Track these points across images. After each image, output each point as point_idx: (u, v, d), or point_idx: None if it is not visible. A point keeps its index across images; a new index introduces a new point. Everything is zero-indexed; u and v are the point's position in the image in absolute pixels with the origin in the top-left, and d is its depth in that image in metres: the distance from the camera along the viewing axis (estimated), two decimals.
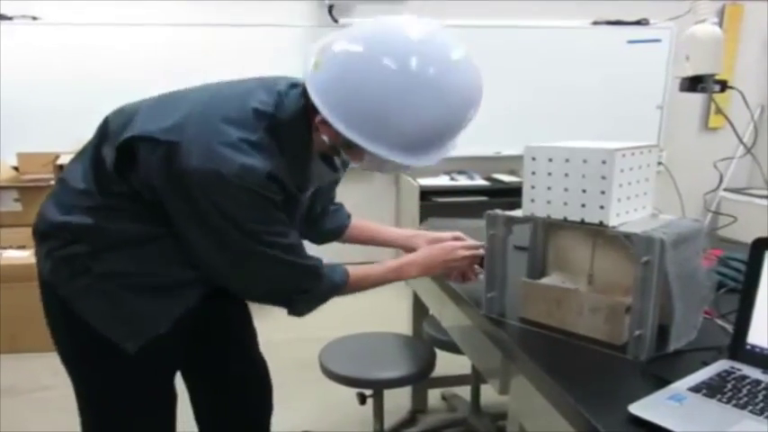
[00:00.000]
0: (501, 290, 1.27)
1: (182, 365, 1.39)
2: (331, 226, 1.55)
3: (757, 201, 3.30)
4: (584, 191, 1.06)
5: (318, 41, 1.12)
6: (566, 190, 1.09)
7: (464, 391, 2.45)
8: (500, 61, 3.78)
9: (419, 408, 2.47)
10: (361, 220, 1.61)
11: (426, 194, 3.70)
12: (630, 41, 3.88)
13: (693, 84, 1.27)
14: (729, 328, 1.16)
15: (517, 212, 1.20)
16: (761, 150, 3.89)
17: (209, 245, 1.13)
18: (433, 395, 2.53)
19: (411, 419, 2.43)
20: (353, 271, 1.30)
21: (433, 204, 3.71)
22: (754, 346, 1.00)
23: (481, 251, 1.35)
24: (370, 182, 4.04)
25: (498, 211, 1.20)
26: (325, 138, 1.12)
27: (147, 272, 1.16)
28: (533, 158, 1.13)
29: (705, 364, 1.02)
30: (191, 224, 1.11)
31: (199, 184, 1.05)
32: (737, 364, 1.00)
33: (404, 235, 1.55)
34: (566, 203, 1.09)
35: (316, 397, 2.48)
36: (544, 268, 1.31)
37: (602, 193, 1.04)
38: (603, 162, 1.03)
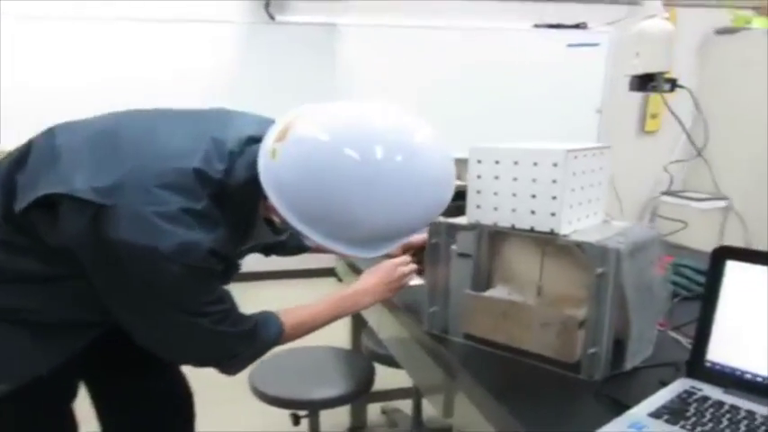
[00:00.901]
0: (444, 304, 1.16)
1: (78, 392, 1.21)
2: (296, 243, 1.41)
3: (696, 204, 3.35)
4: (533, 196, 0.97)
5: (276, 124, 0.99)
6: (514, 195, 0.99)
7: (406, 405, 2.34)
8: (441, 62, 3.71)
9: (358, 424, 2.34)
10: None
11: None
12: (570, 45, 3.88)
13: (643, 82, 1.20)
14: (684, 341, 1.10)
15: (461, 220, 1.09)
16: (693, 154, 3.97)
17: (132, 316, 0.99)
18: (373, 410, 2.41)
19: None
20: (292, 319, 1.16)
21: None
22: (714, 364, 0.93)
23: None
24: None
25: (440, 219, 1.09)
26: (276, 219, 1.02)
27: (33, 309, 0.99)
28: (479, 161, 1.03)
29: (663, 383, 0.95)
30: (112, 291, 0.97)
31: (129, 258, 0.90)
32: (697, 383, 0.92)
33: None
34: (514, 210, 0.99)
35: (245, 417, 2.31)
36: (489, 279, 1.21)
37: (554, 198, 0.95)
38: (555, 165, 0.94)
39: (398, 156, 0.90)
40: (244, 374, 1.72)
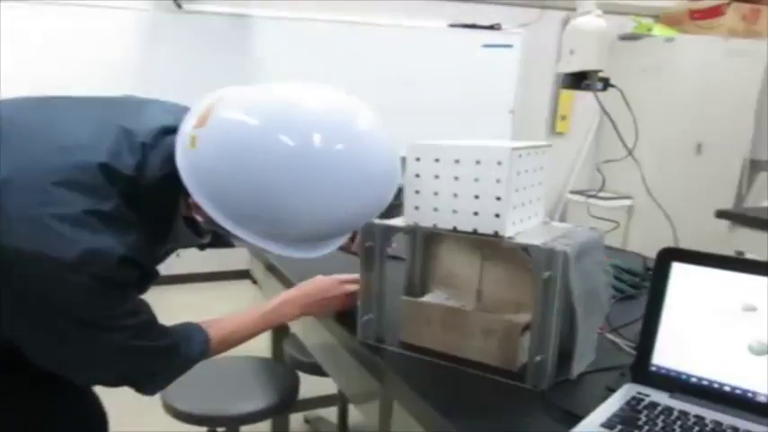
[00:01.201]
0: (378, 311, 1.09)
1: None
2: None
3: (603, 203, 3.48)
4: (476, 197, 0.91)
5: (194, 109, 0.86)
6: (455, 196, 0.93)
7: (330, 413, 2.25)
8: (355, 58, 3.64)
9: None
10: None
11: None
12: (485, 45, 3.93)
13: (577, 80, 1.18)
14: (623, 344, 1.08)
15: (398, 221, 1.02)
16: (601, 155, 4.15)
17: (33, 333, 0.84)
18: (296, 419, 2.30)
19: None
20: (218, 331, 1.04)
21: None
22: (659, 368, 0.90)
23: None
24: None
25: (375, 221, 1.01)
26: (199, 218, 0.88)
27: None
28: (417, 159, 0.95)
29: (610, 390, 0.91)
30: (5, 307, 0.81)
31: (22, 268, 0.76)
32: (643, 389, 0.90)
33: None
34: (455, 211, 0.93)
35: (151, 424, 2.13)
36: (425, 284, 1.15)
37: (498, 199, 0.89)
38: (499, 163, 0.88)
39: (339, 144, 0.80)
40: None
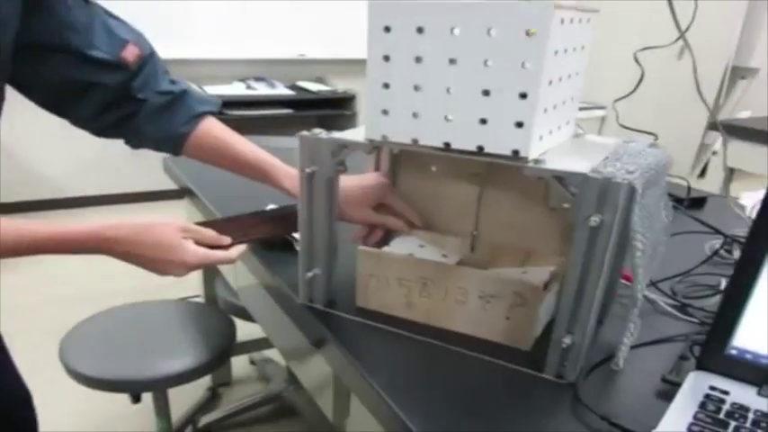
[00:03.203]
0: (327, 266, 0.75)
1: None
2: (157, 133, 0.86)
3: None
4: (485, 93, 0.55)
5: None
6: (449, 92, 0.57)
7: (278, 354, 1.95)
8: None
9: (221, 381, 1.93)
10: (214, 122, 0.90)
11: None
12: None
13: None
14: (662, 302, 0.78)
15: (354, 134, 0.66)
16: None
17: None
18: (240, 362, 2.01)
19: (212, 398, 1.89)
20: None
21: (226, 119, 2.99)
22: (742, 351, 0.61)
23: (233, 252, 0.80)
24: None
25: (321, 133, 0.66)
26: None
27: None
28: (387, 29, 0.58)
29: (668, 382, 0.62)
30: None
31: None
32: (717, 380, 0.61)
33: (266, 162, 0.87)
34: (449, 119, 0.58)
35: (74, 391, 1.81)
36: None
37: (523, 97, 0.54)
38: (529, 34, 0.52)
39: None
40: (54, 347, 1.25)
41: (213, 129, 0.87)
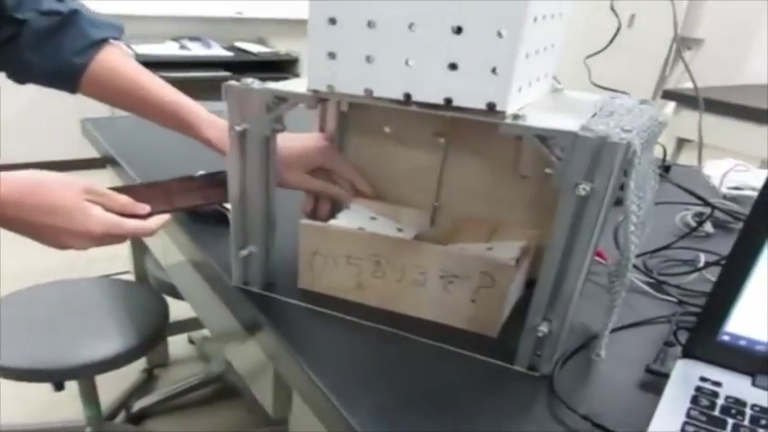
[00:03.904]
0: (265, 243, 0.64)
1: None
2: (45, 65, 0.71)
3: None
4: (457, 30, 0.45)
5: None
6: (410, 29, 0.46)
7: None
8: None
9: (158, 362, 1.79)
10: (117, 53, 0.76)
11: (148, 67, 2.76)
12: None
13: None
14: (637, 279, 0.72)
15: (296, 85, 0.55)
16: None
17: None
18: (179, 340, 1.88)
19: (147, 380, 1.76)
20: None
21: None
22: (735, 337, 0.54)
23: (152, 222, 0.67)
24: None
25: (253, 83, 0.54)
26: None
27: None
28: None
29: (653, 373, 0.55)
30: None
31: None
32: (707, 369, 0.54)
33: (184, 106, 0.75)
34: (410, 64, 0.47)
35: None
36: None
37: (500, 36, 0.44)
38: None
39: None
40: None
41: (115, 61, 0.73)
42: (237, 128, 0.55)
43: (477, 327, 0.60)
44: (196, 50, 2.99)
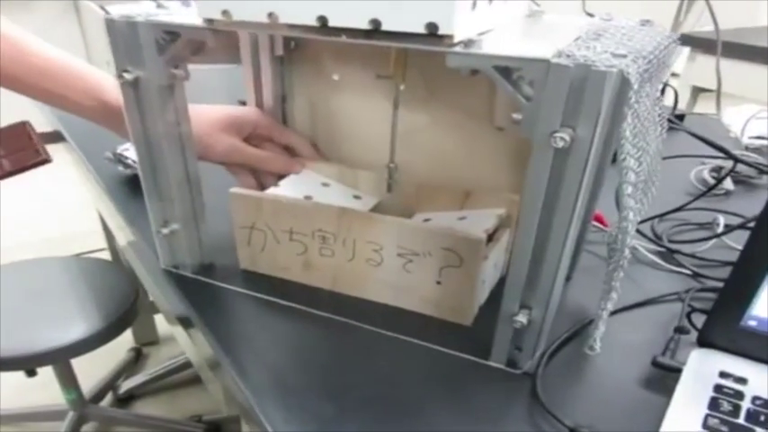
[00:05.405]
0: (192, 219, 0.53)
1: None
2: None
3: None
4: None
5: None
6: None
7: None
8: None
9: (147, 340, 1.72)
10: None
11: None
12: None
13: None
14: (643, 248, 0.60)
15: (187, 16, 0.43)
16: None
17: None
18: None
19: (135, 359, 1.68)
20: None
21: None
22: (765, 323, 0.43)
23: None
24: (31, 11, 2.82)
25: (137, 16, 0.42)
26: None
27: None
28: None
29: (662, 367, 0.44)
30: None
31: None
32: (729, 362, 0.43)
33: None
34: None
35: None
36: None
37: None
38: None
39: None
40: None
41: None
42: (127, 76, 0.43)
43: (446, 314, 0.49)
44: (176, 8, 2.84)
